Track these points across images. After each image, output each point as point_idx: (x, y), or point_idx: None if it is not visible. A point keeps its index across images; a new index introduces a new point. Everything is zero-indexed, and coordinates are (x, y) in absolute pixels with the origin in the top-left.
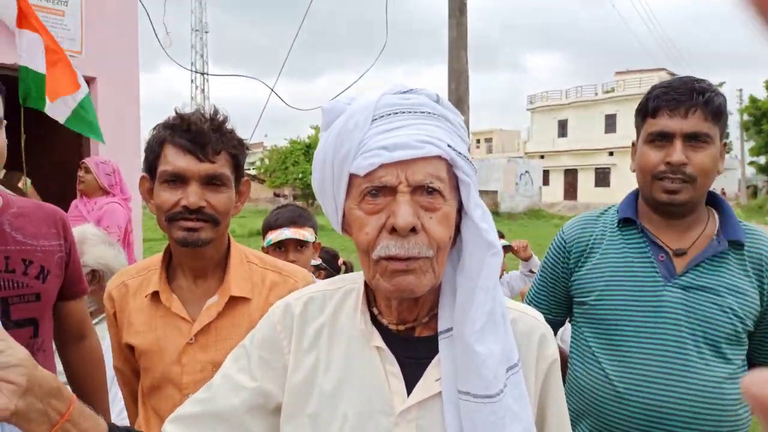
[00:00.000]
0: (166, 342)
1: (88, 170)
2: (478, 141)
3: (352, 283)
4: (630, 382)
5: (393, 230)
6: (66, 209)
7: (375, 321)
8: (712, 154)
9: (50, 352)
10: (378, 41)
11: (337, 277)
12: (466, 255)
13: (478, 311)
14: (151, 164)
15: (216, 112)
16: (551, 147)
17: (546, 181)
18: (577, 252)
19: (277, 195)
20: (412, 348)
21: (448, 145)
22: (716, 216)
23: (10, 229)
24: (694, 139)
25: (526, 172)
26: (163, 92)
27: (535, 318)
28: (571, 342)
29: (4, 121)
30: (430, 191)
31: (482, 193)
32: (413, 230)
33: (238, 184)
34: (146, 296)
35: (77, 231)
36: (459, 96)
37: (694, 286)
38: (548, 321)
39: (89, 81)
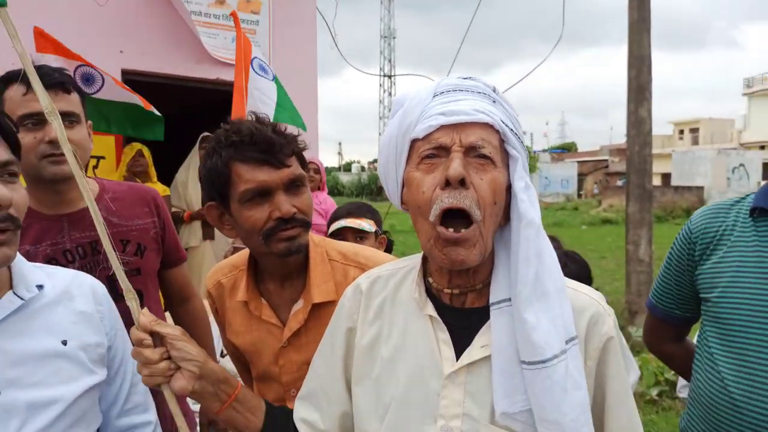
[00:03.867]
0: (262, 345)
1: (317, 170)
2: (682, 132)
3: (416, 260)
4: (748, 390)
5: (447, 184)
6: None
7: (430, 294)
8: None
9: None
10: (558, 27)
11: (404, 258)
12: (511, 230)
13: (522, 282)
14: (220, 189)
15: (258, 118)
16: None
17: (767, 176)
18: (703, 243)
19: None
20: (464, 318)
21: (501, 121)
22: None
23: (106, 213)
24: None
25: (741, 165)
26: (352, 94)
27: (590, 296)
28: (696, 341)
29: (89, 122)
30: (482, 155)
31: (685, 189)
32: (463, 184)
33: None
34: (239, 301)
35: None
36: (640, 84)
37: None
38: (676, 317)
39: None
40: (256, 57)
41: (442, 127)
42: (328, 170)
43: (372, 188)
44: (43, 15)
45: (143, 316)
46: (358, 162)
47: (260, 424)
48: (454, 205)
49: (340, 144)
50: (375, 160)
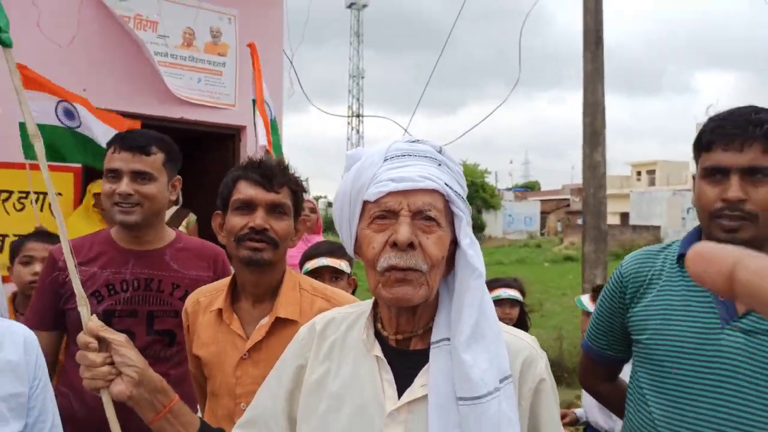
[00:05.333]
0: (225, 356)
1: (313, 210)
2: (639, 173)
3: (367, 305)
4: (677, 430)
5: (394, 245)
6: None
7: (378, 336)
8: None
9: (184, 357)
10: (522, 70)
11: (357, 302)
12: (456, 278)
13: (464, 325)
14: (224, 200)
15: (282, 160)
16: None
17: None
18: (633, 287)
19: None
20: (407, 359)
21: (446, 184)
22: None
23: (169, 259)
24: (753, 174)
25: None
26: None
27: (525, 341)
28: (629, 381)
29: (176, 177)
30: (427, 218)
31: (643, 228)
32: (411, 246)
33: (296, 221)
34: (212, 311)
35: None
36: (594, 130)
37: (757, 330)
38: (609, 357)
39: (240, 130)
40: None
41: (391, 193)
42: None
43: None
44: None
45: (91, 322)
46: (325, 197)
47: None
48: (401, 265)
49: (307, 179)
50: None
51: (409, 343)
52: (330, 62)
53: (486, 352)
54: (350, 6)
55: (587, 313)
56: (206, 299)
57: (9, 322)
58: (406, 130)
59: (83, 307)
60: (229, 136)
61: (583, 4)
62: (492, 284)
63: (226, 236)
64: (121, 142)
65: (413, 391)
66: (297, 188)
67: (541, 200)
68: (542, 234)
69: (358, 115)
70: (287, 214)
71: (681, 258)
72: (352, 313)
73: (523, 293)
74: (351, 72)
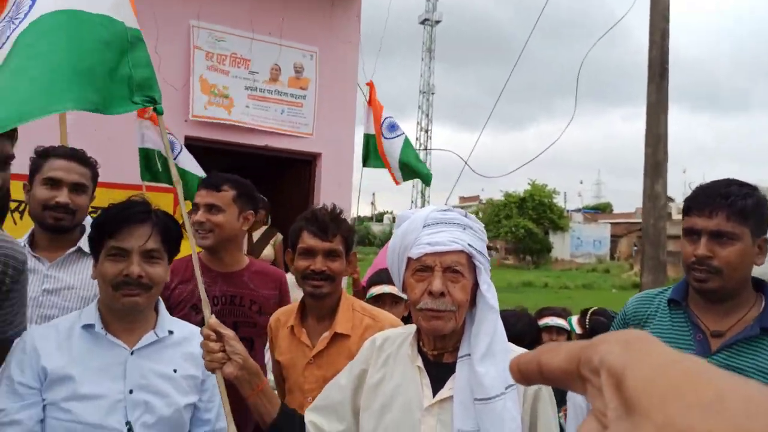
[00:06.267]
0: (296, 361)
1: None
2: None
3: (412, 328)
4: None
5: (431, 293)
6: None
7: (420, 351)
8: (739, 250)
9: (261, 359)
10: (596, 84)
11: (407, 326)
12: (477, 311)
13: (480, 345)
14: (293, 244)
15: (335, 208)
16: None
17: None
18: (633, 325)
19: (489, 248)
20: (440, 369)
21: (469, 244)
22: (763, 302)
23: (247, 280)
24: (719, 237)
25: None
26: None
27: None
28: None
29: (248, 211)
30: (454, 271)
31: None
32: (442, 294)
33: (348, 256)
34: (287, 327)
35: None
36: (656, 161)
37: (724, 366)
38: None
39: (316, 156)
40: (387, 117)
41: (428, 254)
42: (361, 220)
43: None
44: None
45: (212, 319)
46: (391, 212)
47: (275, 414)
48: (435, 308)
49: (373, 194)
50: None
51: (442, 357)
52: (399, 76)
53: (495, 365)
54: (423, 22)
55: (577, 335)
56: (284, 317)
57: (197, 328)
58: (466, 162)
59: (206, 308)
60: (307, 162)
61: (649, 37)
62: (542, 312)
63: (294, 272)
64: (203, 181)
65: (443, 393)
66: (348, 234)
67: (612, 223)
68: (613, 258)
69: (426, 130)
70: (340, 256)
71: (671, 302)
72: (402, 334)
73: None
74: (421, 88)
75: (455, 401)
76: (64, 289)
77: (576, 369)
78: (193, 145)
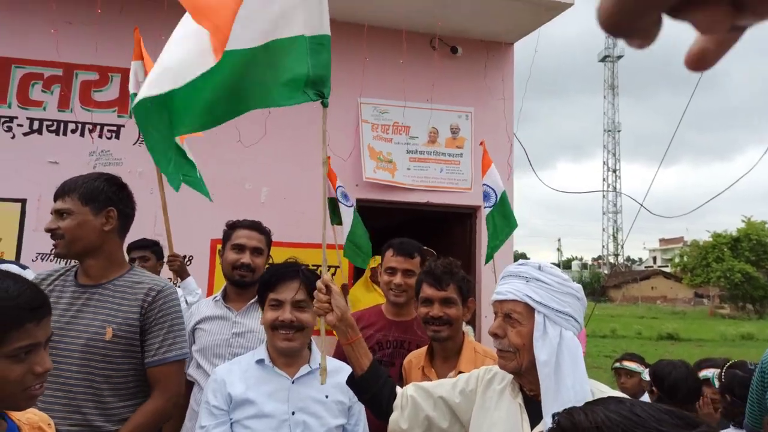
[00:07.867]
0: None
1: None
2: None
3: None
4: None
5: (493, 334)
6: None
7: (521, 390)
8: None
9: None
10: None
11: None
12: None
13: (566, 396)
14: (416, 293)
15: (450, 262)
16: None
17: None
18: None
19: (698, 295)
20: (536, 405)
21: (526, 295)
22: None
23: (416, 328)
24: None
25: None
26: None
27: (600, 390)
28: None
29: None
30: (510, 317)
31: None
32: (497, 335)
33: (465, 302)
34: (419, 368)
35: None
36: None
37: None
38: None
39: (476, 209)
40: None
41: (495, 301)
42: None
43: (594, 287)
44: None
45: (326, 275)
46: (580, 258)
47: (366, 367)
48: (497, 347)
49: (559, 240)
50: (599, 257)
51: (538, 396)
52: (579, 113)
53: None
54: (603, 59)
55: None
56: (416, 360)
57: (344, 364)
58: (642, 205)
59: (326, 272)
60: (467, 215)
61: None
62: (701, 364)
63: (419, 318)
64: (398, 247)
65: (539, 427)
66: (462, 283)
67: None
68: None
69: (614, 170)
70: (456, 303)
71: None
72: (506, 374)
73: (645, 366)
74: (605, 126)
75: None
76: (247, 332)
77: None
78: (364, 206)
